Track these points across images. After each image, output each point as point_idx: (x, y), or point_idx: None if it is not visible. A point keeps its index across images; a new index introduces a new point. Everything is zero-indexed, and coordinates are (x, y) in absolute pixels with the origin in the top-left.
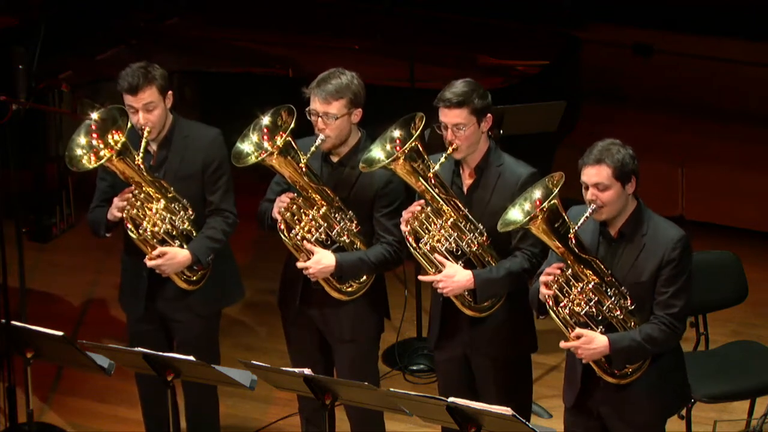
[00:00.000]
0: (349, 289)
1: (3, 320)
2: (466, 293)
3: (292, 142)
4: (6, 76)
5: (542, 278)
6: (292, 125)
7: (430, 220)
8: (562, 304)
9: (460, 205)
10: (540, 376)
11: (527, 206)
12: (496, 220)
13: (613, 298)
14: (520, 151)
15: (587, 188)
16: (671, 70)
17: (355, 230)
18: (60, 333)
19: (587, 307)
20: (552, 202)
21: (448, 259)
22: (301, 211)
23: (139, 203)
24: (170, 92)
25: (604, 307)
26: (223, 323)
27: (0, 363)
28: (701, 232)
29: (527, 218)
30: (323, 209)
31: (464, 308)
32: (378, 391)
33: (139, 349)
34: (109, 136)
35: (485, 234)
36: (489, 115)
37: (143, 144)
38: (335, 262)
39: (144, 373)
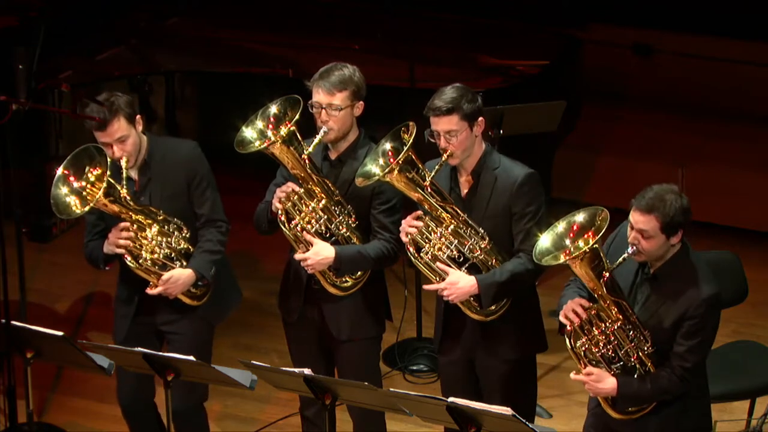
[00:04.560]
0: (345, 284)
1: (3, 320)
2: (472, 299)
3: (297, 133)
4: (6, 76)
5: (569, 314)
6: (297, 116)
7: (430, 229)
8: (580, 342)
9: (458, 211)
10: (540, 376)
11: (566, 241)
12: (496, 224)
13: (633, 342)
14: (520, 151)
15: (632, 228)
16: (671, 70)
17: (353, 225)
18: (60, 333)
19: (604, 349)
20: (595, 246)
21: (450, 266)
22: (302, 201)
23: (133, 235)
24: (138, 117)
25: (622, 351)
26: (223, 323)
27: (0, 363)
28: (701, 232)
29: (568, 258)
30: (323, 201)
31: (472, 313)
32: (378, 391)
33: (139, 349)
34: (89, 175)
35: (487, 238)
36: (481, 118)
37: (124, 175)
38: (334, 254)
39: (124, 371)
